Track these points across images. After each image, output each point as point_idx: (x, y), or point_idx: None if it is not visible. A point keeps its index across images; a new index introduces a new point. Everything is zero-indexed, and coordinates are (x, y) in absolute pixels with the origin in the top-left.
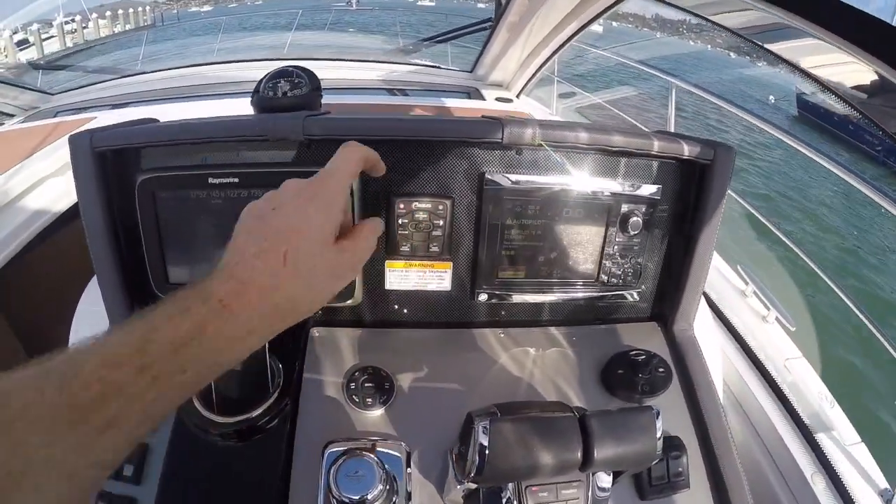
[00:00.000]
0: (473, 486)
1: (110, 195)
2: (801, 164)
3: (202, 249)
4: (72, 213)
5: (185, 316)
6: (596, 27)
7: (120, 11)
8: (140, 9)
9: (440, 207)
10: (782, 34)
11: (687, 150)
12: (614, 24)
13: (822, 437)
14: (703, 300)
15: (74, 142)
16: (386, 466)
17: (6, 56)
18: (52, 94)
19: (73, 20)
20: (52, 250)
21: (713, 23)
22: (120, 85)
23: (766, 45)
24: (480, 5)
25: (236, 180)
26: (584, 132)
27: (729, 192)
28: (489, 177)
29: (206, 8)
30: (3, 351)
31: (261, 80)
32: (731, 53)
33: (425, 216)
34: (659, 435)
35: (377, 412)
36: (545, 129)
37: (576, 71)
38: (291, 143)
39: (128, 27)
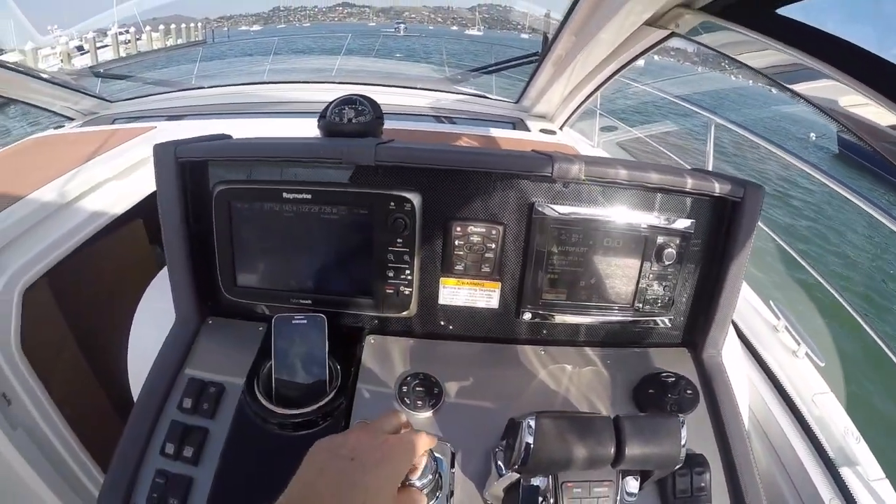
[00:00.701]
0: (516, 476)
1: (187, 202)
2: (840, 203)
3: (270, 258)
4: (127, 217)
5: None
6: (639, 61)
7: (172, 26)
8: (192, 24)
9: (493, 232)
10: (805, 75)
11: (718, 188)
12: (656, 57)
13: (845, 471)
14: (732, 331)
15: (159, 151)
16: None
17: (63, 62)
18: (112, 102)
19: (126, 31)
20: (107, 251)
21: (739, 62)
22: (177, 98)
23: (791, 86)
24: (524, 36)
25: (309, 196)
26: (624, 169)
27: (764, 228)
28: (538, 207)
29: (256, 27)
30: (51, 346)
31: (327, 106)
32: (772, 89)
33: (479, 239)
34: (683, 441)
35: (426, 414)
36: (590, 165)
37: (616, 105)
38: (360, 166)
39: (179, 41)
